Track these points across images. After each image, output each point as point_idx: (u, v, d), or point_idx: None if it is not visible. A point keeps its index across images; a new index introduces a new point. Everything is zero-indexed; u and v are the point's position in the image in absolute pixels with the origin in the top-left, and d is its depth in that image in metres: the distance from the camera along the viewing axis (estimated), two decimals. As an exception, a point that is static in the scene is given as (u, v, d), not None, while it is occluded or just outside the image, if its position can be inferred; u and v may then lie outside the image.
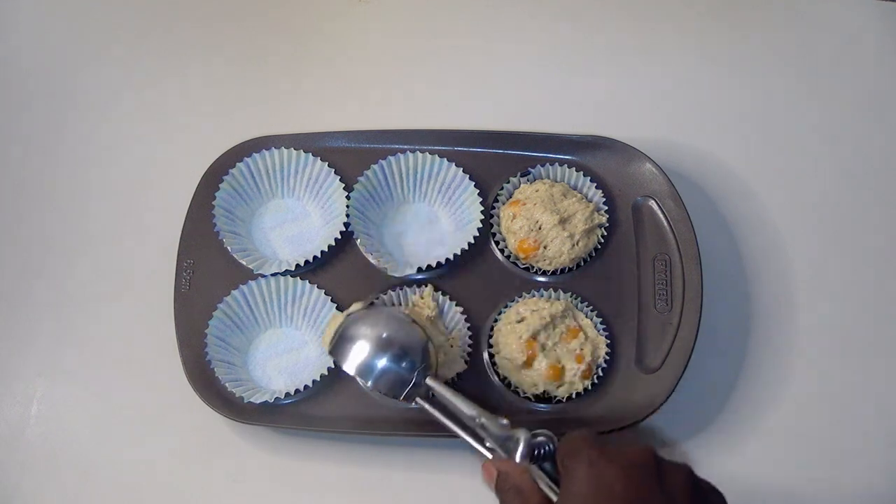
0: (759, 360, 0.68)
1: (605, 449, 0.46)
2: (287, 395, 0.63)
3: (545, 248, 0.66)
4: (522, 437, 0.51)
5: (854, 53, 0.79)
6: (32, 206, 0.75)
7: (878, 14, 0.81)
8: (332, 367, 0.63)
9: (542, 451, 0.51)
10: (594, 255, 0.68)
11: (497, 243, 0.68)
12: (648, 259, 0.67)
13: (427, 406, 0.57)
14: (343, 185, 0.69)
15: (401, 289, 0.66)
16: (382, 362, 0.57)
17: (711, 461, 0.64)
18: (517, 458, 0.51)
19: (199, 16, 0.82)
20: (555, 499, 0.48)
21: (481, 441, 0.54)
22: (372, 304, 0.64)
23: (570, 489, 0.46)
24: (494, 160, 0.71)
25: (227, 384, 0.63)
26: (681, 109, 0.77)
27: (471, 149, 0.71)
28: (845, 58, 0.79)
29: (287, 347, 0.67)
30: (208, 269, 0.68)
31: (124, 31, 0.82)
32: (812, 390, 0.67)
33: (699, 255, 0.65)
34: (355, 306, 0.62)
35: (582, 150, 0.70)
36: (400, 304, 0.66)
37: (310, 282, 0.66)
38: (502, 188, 0.70)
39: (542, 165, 0.70)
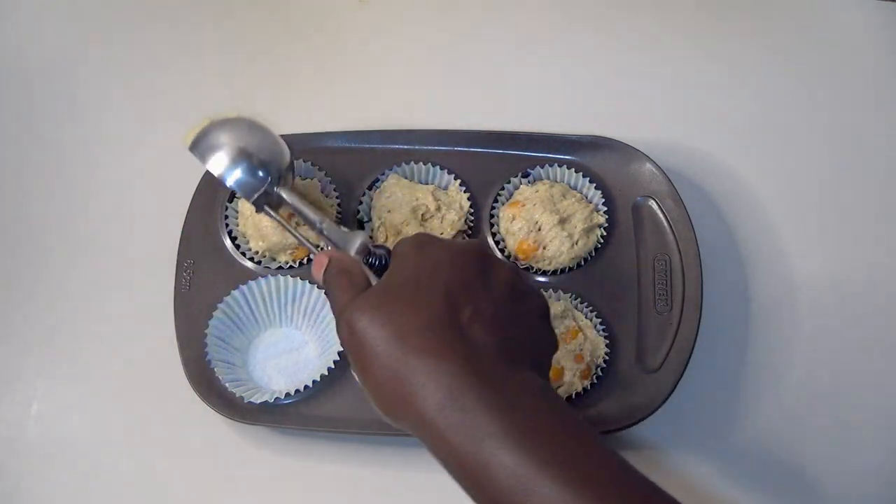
0: (760, 360, 0.68)
1: (434, 237, 0.48)
2: (287, 395, 0.63)
3: (544, 248, 0.66)
4: (360, 237, 0.53)
5: (854, 53, 0.79)
6: (32, 206, 0.75)
7: (878, 14, 0.81)
8: (332, 367, 0.63)
9: (378, 261, 0.52)
10: (594, 255, 0.68)
11: (497, 243, 0.68)
12: (648, 259, 0.67)
13: (271, 212, 0.59)
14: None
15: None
16: (237, 172, 0.58)
17: (712, 461, 0.65)
18: (351, 252, 0.52)
19: (199, 16, 0.82)
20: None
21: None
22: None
23: (397, 266, 0.46)
24: (494, 160, 0.71)
25: (227, 384, 0.62)
26: (681, 109, 0.77)
27: (471, 149, 0.71)
28: (845, 58, 0.79)
29: (287, 347, 0.67)
30: (208, 269, 0.68)
31: (123, 32, 0.82)
32: (813, 390, 0.67)
33: (699, 255, 0.65)
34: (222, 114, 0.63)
35: (582, 151, 0.70)
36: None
37: (310, 282, 0.66)
38: (502, 188, 0.70)
39: (542, 166, 0.70)
